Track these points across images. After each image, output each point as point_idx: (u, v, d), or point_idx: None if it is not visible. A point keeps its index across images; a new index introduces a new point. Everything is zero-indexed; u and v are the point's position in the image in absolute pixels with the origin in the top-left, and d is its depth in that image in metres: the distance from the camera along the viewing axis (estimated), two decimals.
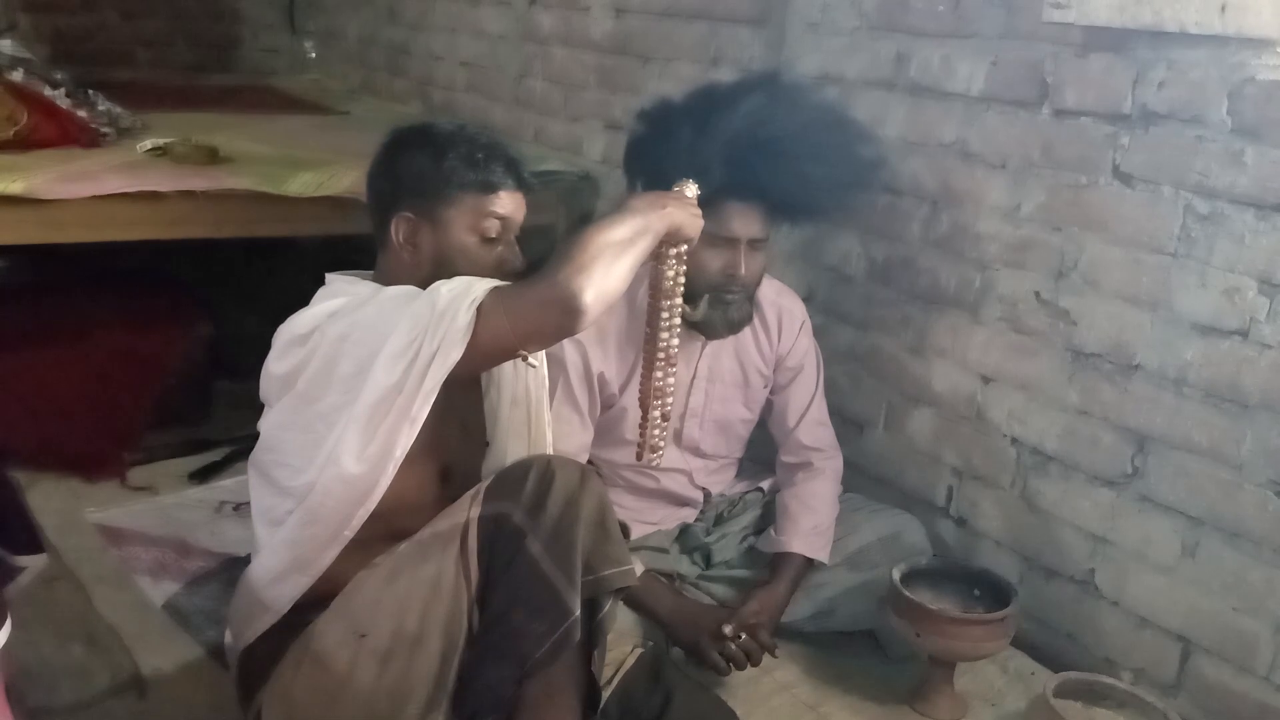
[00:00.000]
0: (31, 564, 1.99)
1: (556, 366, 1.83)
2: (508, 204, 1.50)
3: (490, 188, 1.48)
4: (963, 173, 2.04)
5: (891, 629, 1.84)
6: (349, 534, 1.39)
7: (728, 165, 1.72)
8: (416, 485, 1.46)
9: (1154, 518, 1.79)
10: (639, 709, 1.55)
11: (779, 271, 2.15)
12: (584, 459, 1.88)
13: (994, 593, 1.83)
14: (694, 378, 1.95)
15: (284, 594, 1.45)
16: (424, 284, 1.38)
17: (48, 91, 2.69)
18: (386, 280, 1.46)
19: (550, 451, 1.62)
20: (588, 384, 1.88)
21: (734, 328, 1.88)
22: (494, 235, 1.49)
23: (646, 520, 2.00)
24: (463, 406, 1.57)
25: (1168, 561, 1.77)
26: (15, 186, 2.17)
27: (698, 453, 2.03)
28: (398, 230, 1.48)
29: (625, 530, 1.57)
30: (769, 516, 2.01)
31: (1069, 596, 1.94)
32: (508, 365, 1.58)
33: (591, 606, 1.40)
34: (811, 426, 2.04)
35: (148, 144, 2.63)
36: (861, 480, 2.22)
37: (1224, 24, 1.57)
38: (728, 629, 1.76)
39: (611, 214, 1.41)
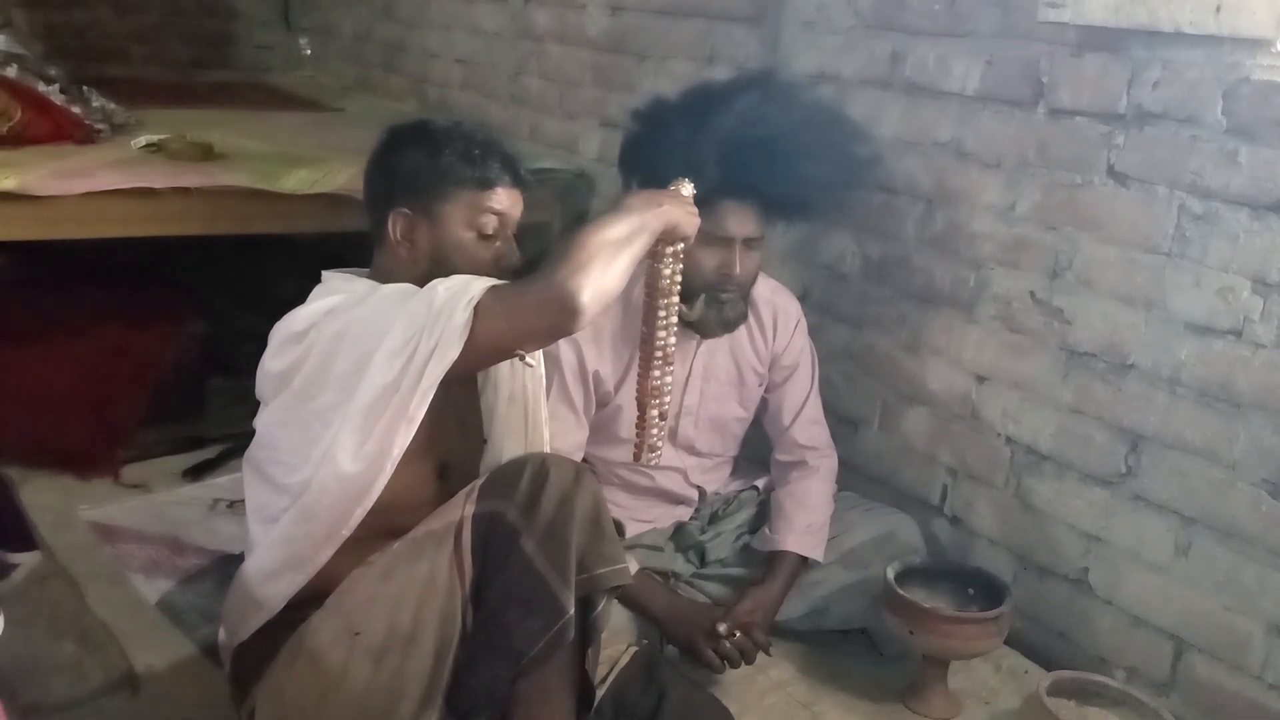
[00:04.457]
0: (24, 561, 1.99)
1: (552, 365, 1.83)
2: (504, 200, 1.50)
3: (487, 184, 1.48)
4: (958, 172, 2.04)
5: (886, 627, 1.85)
6: (345, 533, 1.39)
7: (723, 164, 1.72)
8: (413, 483, 1.46)
9: (1147, 517, 1.79)
10: (633, 707, 1.55)
11: (774, 270, 2.15)
12: (579, 457, 1.88)
13: (988, 591, 1.83)
14: (689, 376, 1.95)
15: (278, 591, 1.44)
16: (421, 281, 1.38)
17: (42, 87, 2.68)
18: (383, 277, 1.46)
19: (546, 449, 1.62)
20: (583, 382, 1.88)
21: (729, 326, 1.88)
22: (491, 232, 1.49)
23: (641, 518, 2.00)
24: (460, 404, 1.56)
25: (1161, 560, 1.78)
26: (9, 183, 2.16)
27: (693, 451, 2.03)
28: (394, 227, 1.48)
29: (620, 528, 1.57)
30: (764, 515, 2.01)
31: (1062, 595, 1.94)
32: (505, 363, 1.58)
33: (586, 605, 1.39)
34: (806, 425, 2.04)
35: (142, 140, 2.62)
36: (856, 479, 2.22)
37: (1219, 24, 1.57)
38: (722, 627, 1.76)
39: (608, 212, 1.41)
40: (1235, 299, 1.64)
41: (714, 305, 1.83)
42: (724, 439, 2.06)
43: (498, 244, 1.51)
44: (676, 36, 2.68)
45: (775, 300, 2.02)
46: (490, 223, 1.49)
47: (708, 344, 1.94)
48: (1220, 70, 1.63)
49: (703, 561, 2.01)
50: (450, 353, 1.29)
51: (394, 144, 1.53)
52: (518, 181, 1.52)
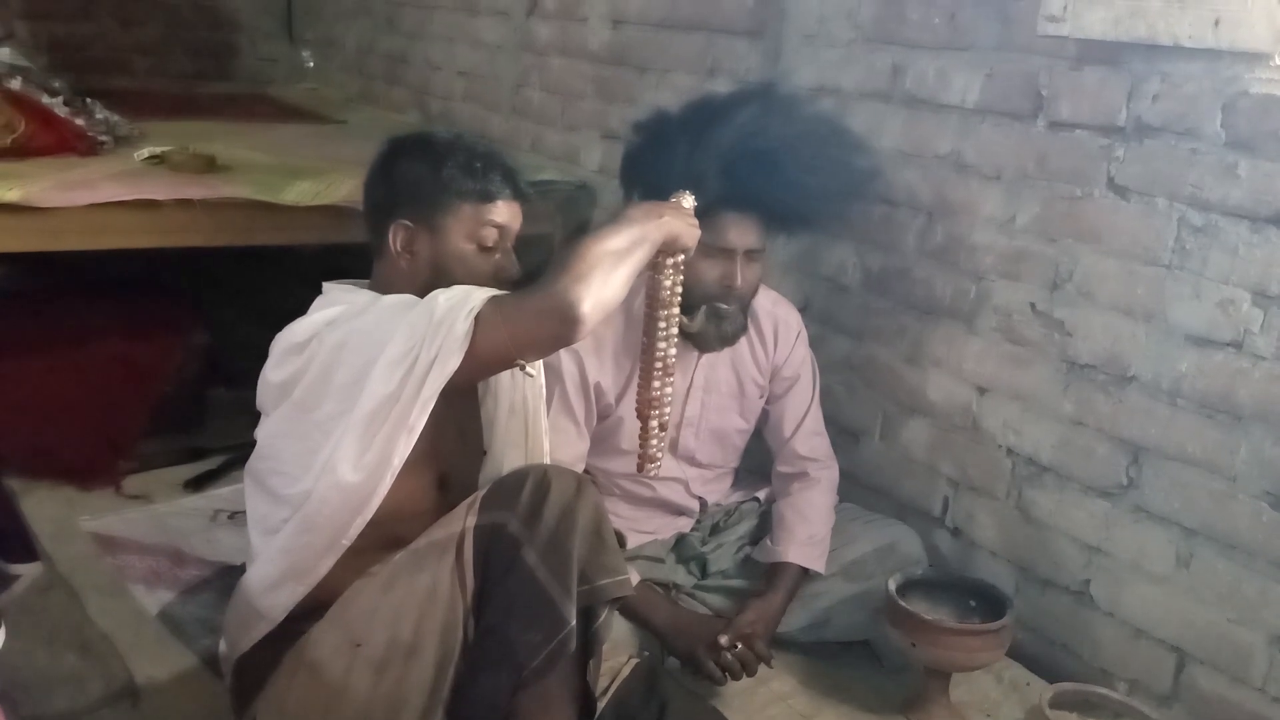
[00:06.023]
0: (26, 572, 1.99)
1: (553, 376, 1.83)
2: (505, 213, 1.51)
3: (488, 196, 1.49)
4: (958, 184, 2.05)
5: (887, 639, 1.84)
6: (346, 543, 1.40)
7: (724, 176, 1.73)
8: (413, 493, 1.46)
9: (1149, 528, 1.79)
10: (634, 719, 1.55)
11: (775, 282, 2.15)
12: (580, 468, 1.88)
13: (989, 603, 1.83)
14: (690, 387, 1.95)
15: (279, 602, 1.44)
16: (421, 292, 1.38)
17: (45, 99, 2.69)
18: (383, 289, 1.47)
19: (547, 461, 1.62)
20: (584, 394, 1.88)
21: (727, 341, 1.88)
22: (491, 244, 1.50)
23: (643, 530, 2.00)
24: (460, 415, 1.57)
25: (1162, 572, 1.78)
26: (12, 195, 2.16)
27: (694, 462, 2.03)
28: (395, 238, 1.49)
29: (621, 539, 1.58)
30: (765, 526, 2.01)
31: (1064, 607, 1.94)
32: (505, 374, 1.59)
33: (587, 616, 1.40)
34: (807, 436, 2.04)
35: (145, 152, 2.63)
36: (857, 490, 2.22)
37: (1217, 38, 1.58)
38: (723, 639, 1.76)
39: (609, 224, 1.42)
40: (1235, 311, 1.64)
41: (714, 318, 1.84)
42: (725, 450, 2.06)
43: (497, 256, 1.51)
44: (678, 50, 2.69)
45: (776, 312, 2.03)
46: (490, 235, 1.50)
47: (709, 356, 1.94)
48: (1219, 83, 1.64)
49: (704, 573, 2.01)
50: (451, 362, 1.30)
51: (395, 156, 1.54)
52: (518, 194, 1.53)
